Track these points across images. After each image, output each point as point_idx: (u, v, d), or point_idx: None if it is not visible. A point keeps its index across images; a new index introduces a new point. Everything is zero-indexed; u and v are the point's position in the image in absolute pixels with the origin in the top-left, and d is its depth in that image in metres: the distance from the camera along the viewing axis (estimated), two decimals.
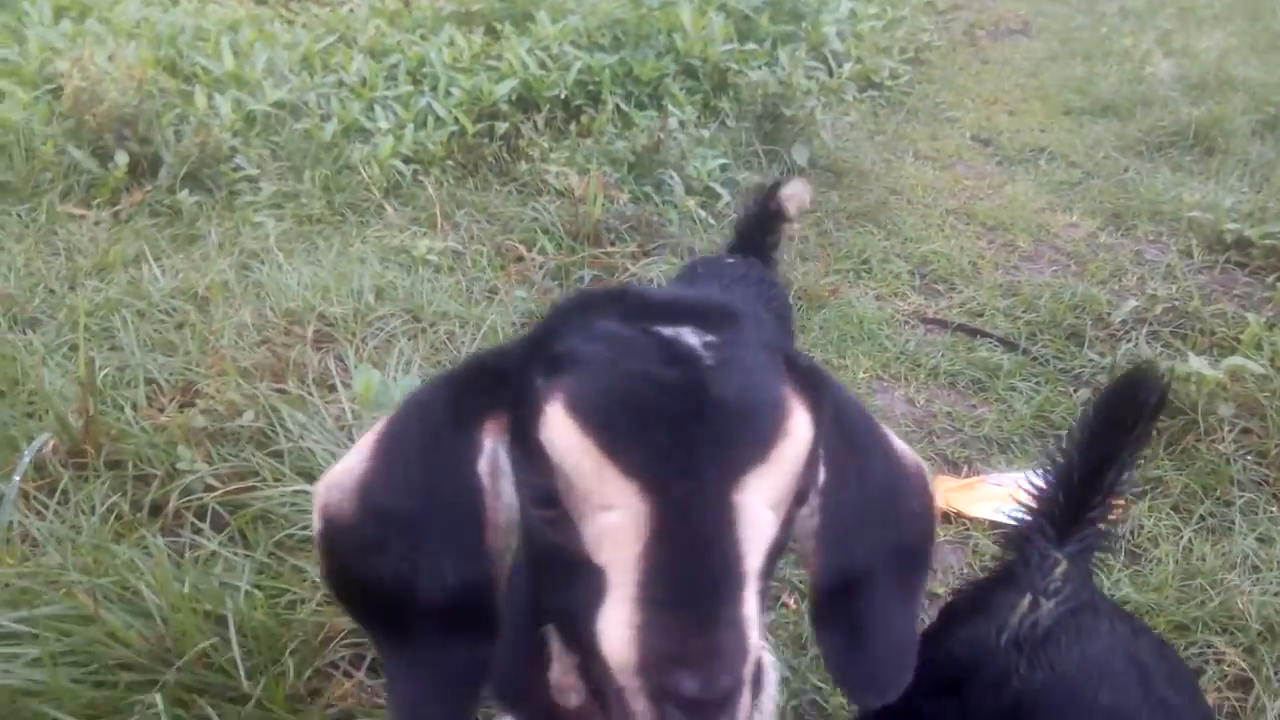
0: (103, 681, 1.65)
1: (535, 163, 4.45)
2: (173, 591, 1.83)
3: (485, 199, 4.37)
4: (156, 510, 2.36)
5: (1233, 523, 2.95)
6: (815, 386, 0.82)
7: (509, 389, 0.81)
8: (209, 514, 2.34)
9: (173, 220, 3.92)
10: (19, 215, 3.77)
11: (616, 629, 0.70)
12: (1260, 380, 3.40)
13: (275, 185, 4.01)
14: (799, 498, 0.80)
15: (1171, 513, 3.02)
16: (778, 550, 0.78)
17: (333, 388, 2.84)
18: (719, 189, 4.54)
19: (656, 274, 3.89)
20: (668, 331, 0.76)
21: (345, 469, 0.85)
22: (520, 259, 4.04)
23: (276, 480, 2.43)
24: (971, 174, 5.79)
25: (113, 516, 2.23)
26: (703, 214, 4.34)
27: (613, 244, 4.10)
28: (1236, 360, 3.41)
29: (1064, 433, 3.31)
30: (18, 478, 1.98)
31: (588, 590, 0.72)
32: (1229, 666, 2.44)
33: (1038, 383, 3.79)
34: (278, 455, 2.50)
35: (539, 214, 4.22)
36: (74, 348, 2.78)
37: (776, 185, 2.17)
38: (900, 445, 0.95)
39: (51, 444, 2.24)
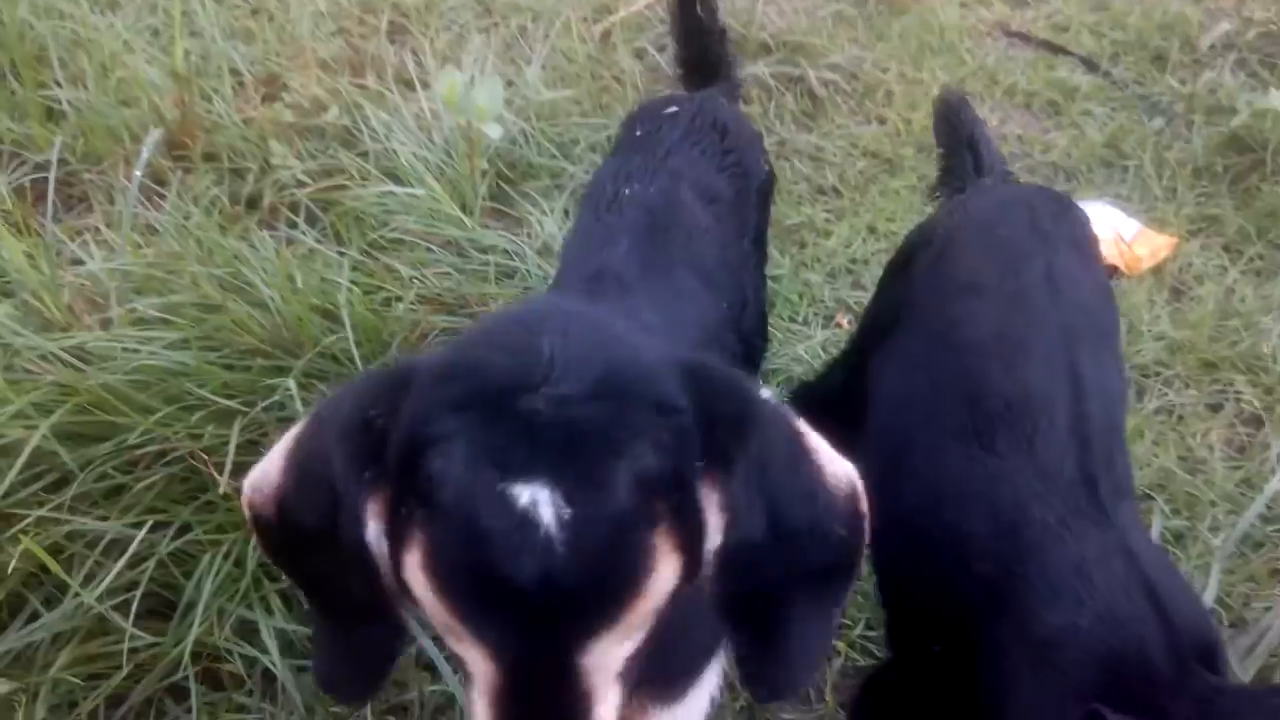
0: (234, 365, 1.84)
1: None
2: (285, 285, 1.98)
3: None
4: (253, 205, 2.48)
5: (1278, 265, 3.00)
6: (728, 442, 0.78)
7: (389, 466, 0.76)
8: (303, 210, 2.46)
9: None
10: None
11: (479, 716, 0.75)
12: None
13: None
14: (673, 599, 0.77)
15: (1222, 252, 3.07)
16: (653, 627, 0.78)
17: (410, 84, 2.87)
18: None
19: None
20: (524, 499, 0.68)
21: (264, 474, 0.85)
22: None
23: (364, 180, 2.52)
24: None
25: (215, 210, 2.35)
26: None
27: None
28: None
29: (1132, 164, 3.33)
30: (139, 172, 2.08)
31: (465, 679, 0.78)
32: (1245, 404, 2.59)
33: (1113, 108, 3.71)
34: (364, 155, 2.58)
35: None
36: (155, 33, 2.80)
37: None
38: (832, 470, 0.87)
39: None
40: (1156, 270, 2.99)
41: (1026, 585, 1.17)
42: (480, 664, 0.73)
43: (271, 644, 1.62)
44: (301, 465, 0.82)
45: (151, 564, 1.58)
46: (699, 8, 1.85)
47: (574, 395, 0.71)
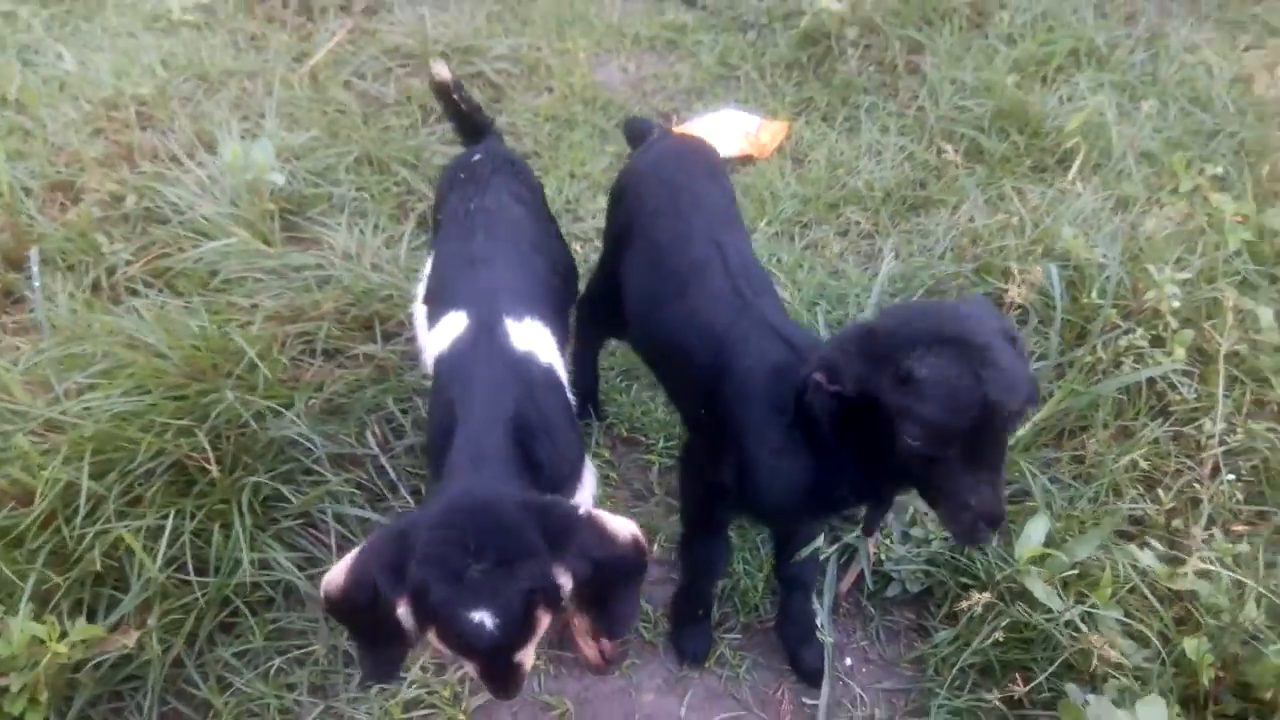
0: (175, 396, 2.48)
1: None
2: (169, 337, 2.58)
3: None
4: (97, 288, 3.02)
5: (859, 122, 4.17)
6: (561, 549, 1.52)
7: (409, 591, 1.48)
8: (139, 281, 3.02)
9: None
10: None
11: (474, 676, 1.62)
12: (875, 2, 4.51)
13: None
14: (553, 623, 1.60)
15: (821, 123, 4.21)
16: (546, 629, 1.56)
17: (177, 159, 3.43)
18: None
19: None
20: (476, 618, 1.44)
21: (334, 576, 1.54)
22: None
23: (180, 247, 3.10)
24: None
25: (78, 297, 2.89)
26: None
27: None
28: None
29: (741, 74, 4.37)
30: (38, 283, 2.61)
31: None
32: (861, 226, 3.69)
33: (715, 33, 4.79)
34: (169, 222, 3.16)
35: None
36: None
37: (433, 79, 2.57)
38: (623, 531, 1.62)
39: None
40: (779, 149, 4.07)
41: (728, 355, 2.04)
42: (470, 664, 1.58)
43: (289, 565, 2.34)
44: (356, 576, 1.53)
45: (186, 538, 2.25)
46: (456, 98, 2.56)
47: (486, 573, 1.45)
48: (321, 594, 1.56)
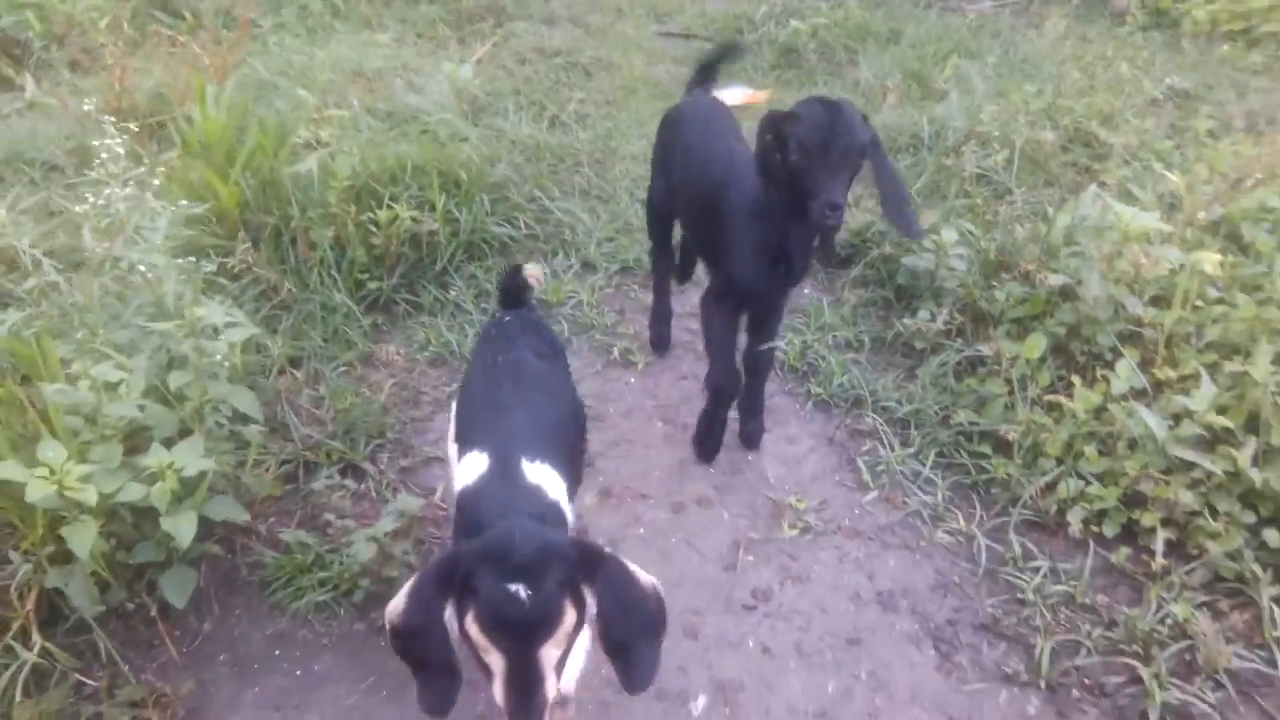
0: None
1: None
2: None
3: None
4: None
5: (818, 92, 6.60)
6: (589, 574, 1.65)
7: (454, 591, 1.63)
8: None
9: None
10: None
11: (497, 694, 1.61)
12: (826, 27, 7.04)
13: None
14: (575, 633, 1.67)
15: (794, 94, 6.65)
16: (569, 645, 1.66)
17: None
18: None
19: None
20: (513, 587, 1.56)
21: (396, 605, 1.69)
22: None
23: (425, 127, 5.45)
24: None
25: None
26: None
27: None
28: None
29: (745, 68, 6.90)
30: None
31: (486, 674, 1.65)
32: None
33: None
34: None
35: None
36: None
37: (517, 269, 2.82)
38: (644, 579, 1.73)
39: None
40: (767, 101, 6.47)
41: (728, 186, 3.00)
42: (497, 661, 1.60)
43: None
44: (413, 598, 1.68)
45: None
46: (523, 285, 2.79)
47: (527, 558, 1.61)
48: (385, 622, 1.72)
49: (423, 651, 1.69)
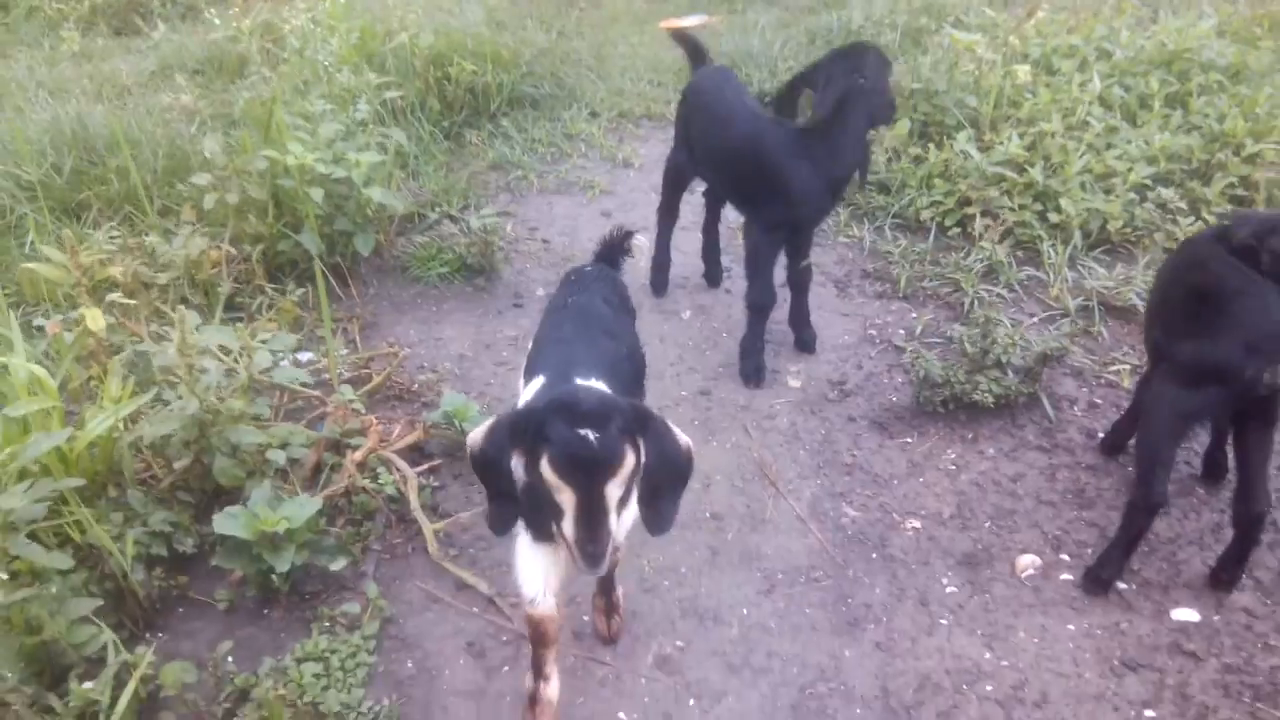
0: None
1: None
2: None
3: None
4: None
5: (753, 10, 8.29)
6: (642, 427, 1.81)
7: (524, 440, 1.81)
8: None
9: None
10: None
11: (568, 529, 1.79)
12: None
13: None
14: (633, 475, 1.83)
15: (730, 16, 8.33)
16: (629, 490, 1.82)
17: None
18: None
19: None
20: (583, 431, 1.72)
21: (475, 437, 1.89)
22: None
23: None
24: None
25: None
26: None
27: None
28: None
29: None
30: None
31: (557, 514, 1.81)
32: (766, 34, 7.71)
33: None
34: None
35: None
36: None
37: (629, 234, 3.00)
38: (682, 438, 1.91)
39: None
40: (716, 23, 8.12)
41: (763, 135, 3.50)
42: (568, 499, 1.78)
43: None
44: (490, 435, 1.88)
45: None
46: (618, 241, 2.99)
47: (592, 408, 1.79)
48: (467, 448, 1.96)
49: (493, 478, 1.91)
